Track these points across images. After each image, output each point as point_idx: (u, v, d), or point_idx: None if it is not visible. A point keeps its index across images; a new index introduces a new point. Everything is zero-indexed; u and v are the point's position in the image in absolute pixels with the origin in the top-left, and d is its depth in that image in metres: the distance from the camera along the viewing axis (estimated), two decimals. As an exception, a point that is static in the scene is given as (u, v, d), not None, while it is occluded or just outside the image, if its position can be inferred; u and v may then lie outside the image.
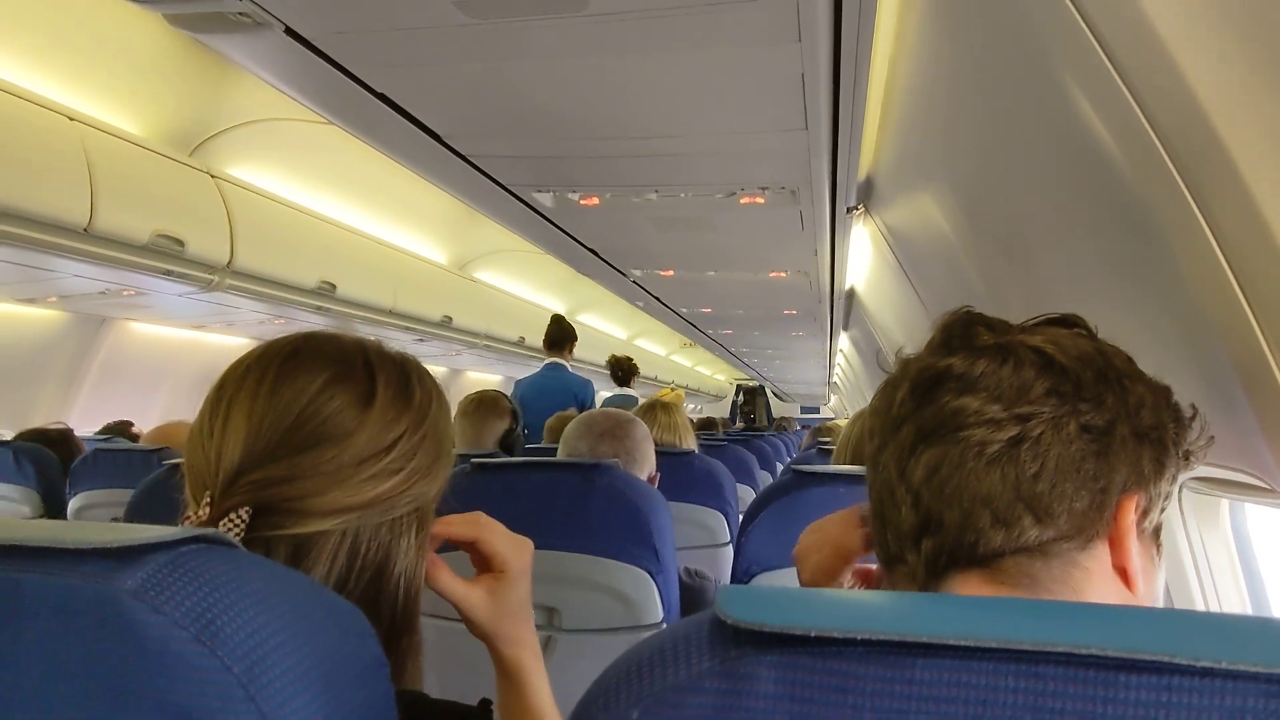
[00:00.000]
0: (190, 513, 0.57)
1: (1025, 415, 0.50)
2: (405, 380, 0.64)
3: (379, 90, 1.32)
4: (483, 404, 2.30)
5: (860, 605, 0.37)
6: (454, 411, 2.31)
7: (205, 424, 0.60)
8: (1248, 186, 0.58)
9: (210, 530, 0.47)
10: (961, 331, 0.56)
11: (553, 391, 3.49)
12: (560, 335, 3.65)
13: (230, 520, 0.55)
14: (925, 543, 0.52)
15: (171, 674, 0.42)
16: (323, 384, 0.59)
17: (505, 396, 2.37)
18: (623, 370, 4.23)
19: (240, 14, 1.06)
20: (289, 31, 1.11)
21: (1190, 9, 0.58)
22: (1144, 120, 0.65)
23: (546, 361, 3.68)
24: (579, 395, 3.51)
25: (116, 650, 0.43)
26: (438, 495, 0.67)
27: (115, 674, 0.43)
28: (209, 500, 0.57)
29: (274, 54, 1.19)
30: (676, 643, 0.37)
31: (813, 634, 0.33)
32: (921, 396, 0.54)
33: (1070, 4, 0.68)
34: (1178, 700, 0.30)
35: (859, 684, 0.33)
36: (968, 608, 0.37)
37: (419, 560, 0.65)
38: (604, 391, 4.32)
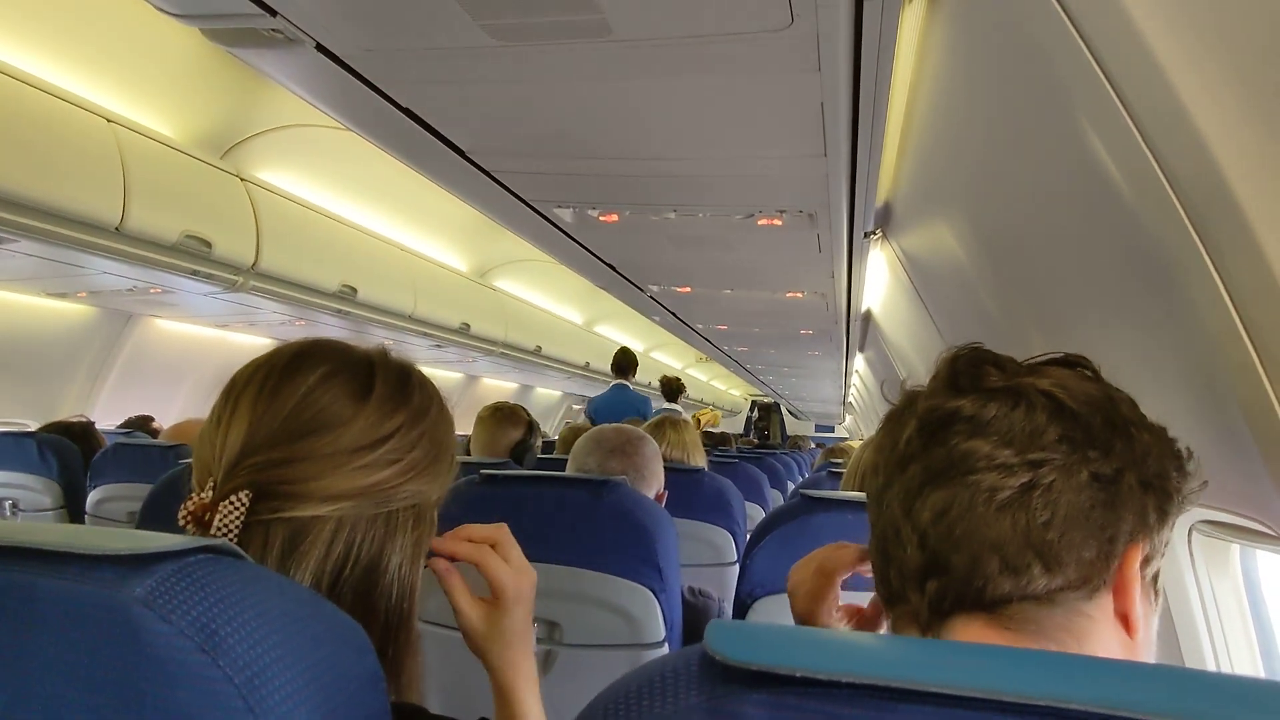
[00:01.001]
0: (194, 496, 0.60)
1: (1037, 461, 0.50)
2: (404, 381, 0.67)
3: (405, 106, 1.35)
4: (499, 412, 2.34)
5: (848, 647, 0.38)
6: (473, 420, 2.36)
7: (214, 418, 0.63)
8: (1257, 237, 0.58)
9: (218, 540, 0.49)
10: (969, 369, 0.55)
11: (619, 407, 4.18)
12: (625, 362, 4.61)
13: (231, 503, 0.58)
14: (930, 584, 0.52)
15: (175, 683, 0.43)
16: (321, 377, 0.63)
17: (523, 409, 2.39)
18: (671, 389, 5.14)
19: (273, 30, 1.09)
20: (320, 48, 1.13)
21: (1203, 62, 0.58)
22: (1156, 166, 0.65)
23: (613, 383, 4.58)
24: (640, 409, 4.25)
25: (124, 657, 0.44)
26: (439, 500, 0.69)
27: (122, 680, 0.44)
28: (212, 485, 0.59)
29: (304, 69, 1.22)
30: (665, 676, 0.38)
31: (798, 674, 0.34)
32: (929, 436, 0.54)
33: (1085, 49, 0.68)
34: (1159, 760, 0.30)
35: (842, 726, 0.33)
36: (955, 655, 0.37)
37: (416, 560, 0.67)
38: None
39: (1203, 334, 0.71)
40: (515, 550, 0.75)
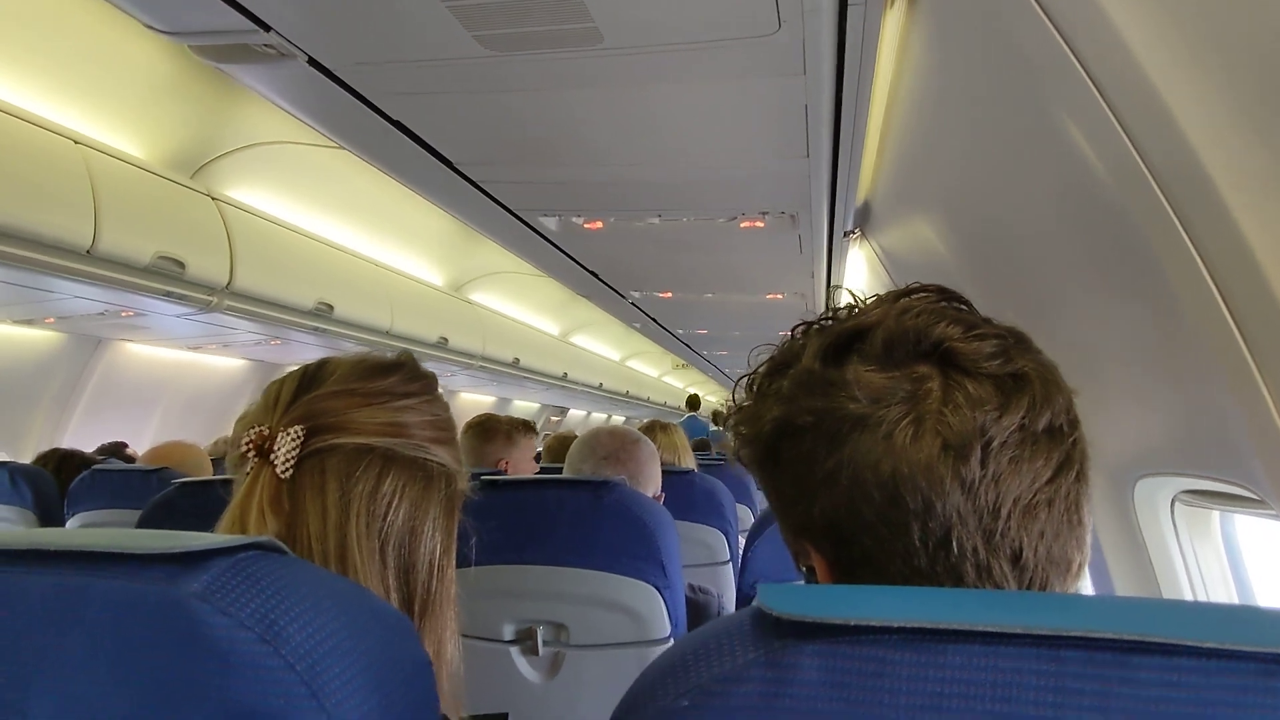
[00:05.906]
0: (254, 429, 0.65)
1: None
2: (423, 372, 0.75)
3: (395, 118, 1.36)
4: (481, 426, 2.32)
5: (895, 597, 0.40)
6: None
7: (265, 397, 0.70)
8: (1230, 212, 0.61)
9: (265, 538, 0.50)
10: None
11: (690, 431, 5.58)
12: (694, 401, 7.53)
13: (288, 434, 0.64)
14: (1006, 575, 0.46)
15: (237, 673, 0.44)
16: (351, 362, 0.72)
17: (499, 418, 2.37)
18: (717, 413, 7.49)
19: (266, 45, 1.09)
20: (312, 62, 1.14)
21: (1180, 52, 0.62)
22: (1137, 157, 0.69)
23: (686, 415, 7.15)
24: (705, 431, 6.51)
25: (182, 651, 0.45)
26: (463, 493, 0.73)
27: (180, 674, 0.44)
28: (267, 427, 0.65)
29: (295, 83, 1.22)
30: (720, 637, 0.39)
31: (852, 623, 0.36)
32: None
33: (1063, 43, 0.72)
34: (1185, 680, 0.32)
35: (895, 669, 0.35)
36: (994, 599, 0.40)
37: (448, 546, 0.70)
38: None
39: (1184, 309, 0.75)
40: None
